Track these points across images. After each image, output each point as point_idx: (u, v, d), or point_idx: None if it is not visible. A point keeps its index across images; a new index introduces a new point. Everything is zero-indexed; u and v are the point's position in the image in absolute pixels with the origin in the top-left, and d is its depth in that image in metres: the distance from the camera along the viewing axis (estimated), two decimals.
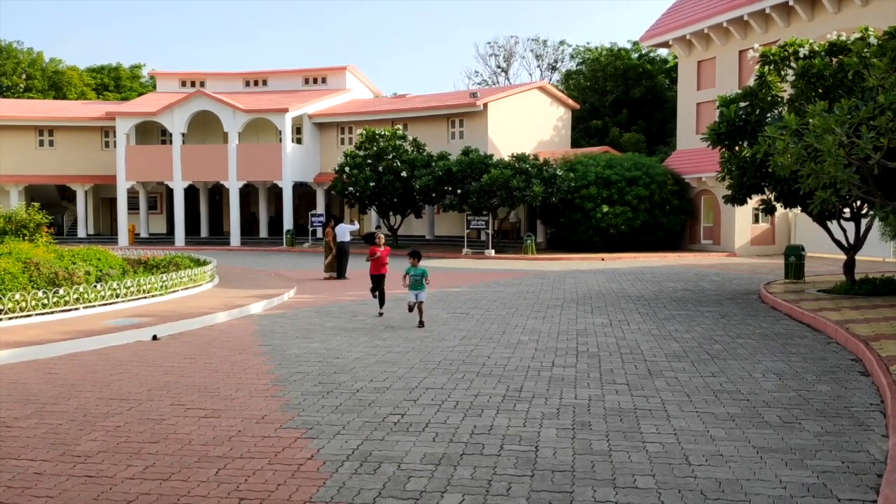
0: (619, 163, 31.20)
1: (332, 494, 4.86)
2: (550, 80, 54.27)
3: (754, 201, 18.03)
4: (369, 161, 32.38)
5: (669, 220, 31.16)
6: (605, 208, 29.65)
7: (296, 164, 38.59)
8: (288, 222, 38.40)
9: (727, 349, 9.94)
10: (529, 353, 9.71)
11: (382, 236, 13.84)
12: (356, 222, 25.78)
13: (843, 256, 16.06)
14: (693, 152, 32.02)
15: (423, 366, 8.90)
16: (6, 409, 7.03)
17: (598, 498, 4.80)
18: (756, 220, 30.47)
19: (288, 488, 4.97)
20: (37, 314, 11.76)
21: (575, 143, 42.28)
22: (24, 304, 11.64)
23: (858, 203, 15.45)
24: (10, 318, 11.35)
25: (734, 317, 12.95)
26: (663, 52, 44.01)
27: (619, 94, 45.78)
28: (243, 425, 6.44)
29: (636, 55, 46.79)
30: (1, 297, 11.38)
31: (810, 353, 9.69)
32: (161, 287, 14.66)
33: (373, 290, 13.41)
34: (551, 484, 5.05)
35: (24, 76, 57.50)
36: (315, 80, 43.50)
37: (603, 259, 27.87)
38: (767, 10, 28.33)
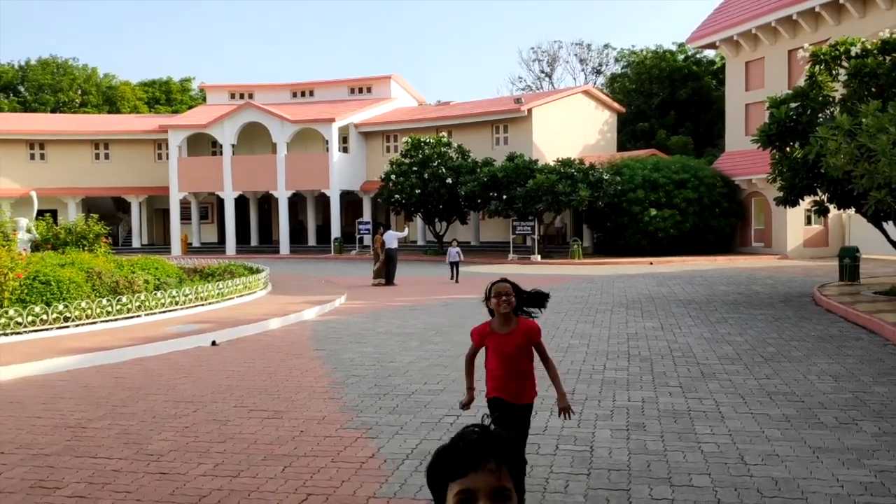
0: (667, 165, 30.97)
1: (394, 490, 5.03)
2: (595, 83, 54.03)
3: (806, 203, 17.77)
4: (415, 168, 32.71)
5: (719, 222, 30.80)
6: (653, 212, 29.44)
7: (343, 172, 39.14)
8: (335, 230, 38.94)
9: (781, 352, 9.87)
10: (580, 357, 9.78)
11: (508, 288, 4.59)
12: (406, 229, 26.04)
13: None
14: (742, 154, 31.59)
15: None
16: (80, 411, 7.37)
17: (655, 496, 4.89)
18: (808, 221, 29.89)
19: (352, 485, 5.16)
20: (101, 321, 12.21)
21: (621, 146, 42.04)
22: (89, 311, 12.11)
23: None
24: (77, 325, 11.83)
25: (788, 319, 12.81)
26: (710, 53, 43.53)
27: (665, 97, 45.39)
28: (305, 426, 6.66)
29: (682, 57, 46.36)
30: (68, 305, 11.87)
31: (867, 355, 9.58)
32: (217, 294, 15.08)
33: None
34: (608, 482, 5.14)
35: (79, 92, 59.42)
36: (360, 90, 44.08)
37: (651, 263, 27.66)
38: (817, 9, 27.89)
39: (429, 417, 6.84)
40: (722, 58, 39.21)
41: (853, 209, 15.66)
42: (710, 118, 43.69)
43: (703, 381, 8.25)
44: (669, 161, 31.76)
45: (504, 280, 4.60)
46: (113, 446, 6.18)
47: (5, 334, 10.82)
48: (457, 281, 20.71)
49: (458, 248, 21.75)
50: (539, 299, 4.75)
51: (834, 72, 14.97)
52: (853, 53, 14.21)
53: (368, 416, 6.95)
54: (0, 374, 8.87)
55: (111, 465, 5.71)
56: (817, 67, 14.92)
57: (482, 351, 4.68)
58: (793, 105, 14.95)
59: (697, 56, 45.91)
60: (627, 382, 8.24)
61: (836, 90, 15.21)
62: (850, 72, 13.85)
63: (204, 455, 5.88)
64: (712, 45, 34.21)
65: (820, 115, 14.97)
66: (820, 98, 15.19)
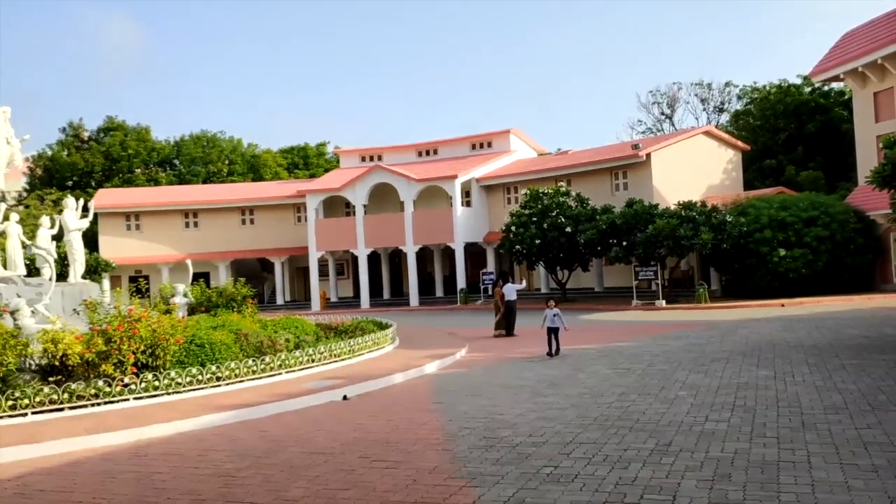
0: (795, 203, 30.16)
1: None
2: (718, 122, 53.17)
3: None
4: (534, 219, 33.50)
5: (855, 260, 29.52)
6: (782, 252, 28.67)
7: (466, 226, 40.56)
8: (461, 281, 40.20)
9: (892, 400, 9.80)
10: (685, 409, 10.10)
11: None
12: (524, 281, 26.77)
13: None
14: None
15: (579, 421, 9.61)
16: (230, 462, 8.57)
17: None
18: None
19: None
20: (247, 380, 13.65)
21: (748, 184, 41.11)
22: (237, 371, 13.59)
23: None
24: (227, 384, 13.31)
25: None
26: (837, 85, 42.06)
27: (791, 131, 44.06)
28: (418, 475, 7.51)
29: (808, 90, 44.94)
30: (219, 366, 13.41)
31: None
32: (349, 351, 16.34)
33: None
34: None
35: (227, 162, 64.58)
36: (481, 145, 45.65)
37: (783, 305, 26.90)
38: None
39: (528, 468, 7.52)
40: (850, 89, 37.83)
41: None
42: (842, 150, 41.93)
43: (801, 431, 8.44)
44: (797, 198, 30.91)
45: None
46: (257, 493, 7.25)
47: (167, 393, 12.41)
48: (555, 353, 16.01)
49: (556, 310, 16.30)
50: None
51: None
52: None
53: (474, 466, 7.72)
54: (165, 430, 10.33)
55: None
56: None
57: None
58: None
59: (824, 88, 44.37)
60: (725, 434, 8.55)
61: None
62: None
63: (330, 500, 6.84)
64: (836, 78, 33.21)
65: None
66: None
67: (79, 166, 58.07)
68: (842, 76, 32.35)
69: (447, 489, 6.97)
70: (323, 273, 44.96)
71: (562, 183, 36.72)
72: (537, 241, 33.02)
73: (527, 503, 6.42)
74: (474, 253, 43.54)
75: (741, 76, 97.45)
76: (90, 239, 45.33)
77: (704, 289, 29.48)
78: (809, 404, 9.89)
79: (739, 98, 52.07)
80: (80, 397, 11.60)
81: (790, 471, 6.95)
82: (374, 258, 44.82)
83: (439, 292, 43.37)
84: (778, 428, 8.67)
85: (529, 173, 40.15)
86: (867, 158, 31.75)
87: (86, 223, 19.84)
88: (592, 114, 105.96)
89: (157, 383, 12.36)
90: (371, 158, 47.32)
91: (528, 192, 35.14)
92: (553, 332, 16.03)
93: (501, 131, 45.37)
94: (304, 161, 66.67)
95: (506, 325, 21.44)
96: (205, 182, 60.18)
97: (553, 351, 16.00)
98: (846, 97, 43.14)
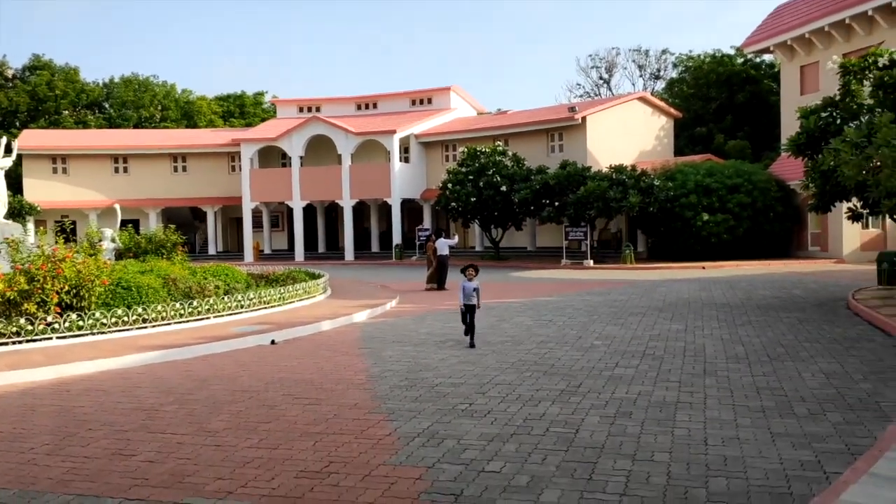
0: (720, 171, 31.19)
1: (401, 460, 6.10)
2: (654, 88, 54.16)
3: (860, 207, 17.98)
4: (471, 177, 33.79)
5: (774, 227, 30.83)
6: (706, 216, 29.72)
7: (403, 181, 40.58)
8: (397, 237, 40.37)
9: (789, 352, 10.51)
10: (598, 356, 10.63)
11: None
12: (455, 236, 27.16)
13: None
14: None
15: (497, 366, 10.03)
16: (154, 397, 8.69)
17: (617, 467, 5.81)
18: (866, 225, 29.63)
19: (367, 455, 6.25)
20: (175, 323, 13.67)
21: (679, 151, 42.21)
22: (164, 314, 13.58)
23: None
24: (154, 326, 13.31)
25: (811, 322, 13.33)
26: (768, 57, 43.33)
27: (723, 101, 45.31)
28: (338, 411, 7.79)
29: (740, 61, 46.17)
30: (146, 309, 13.37)
31: (871, 355, 10.13)
32: (279, 299, 16.44)
33: None
34: (581, 456, 6.08)
35: (159, 107, 62.68)
36: (421, 101, 45.48)
37: (704, 268, 27.98)
38: (870, 13, 27.74)
39: (444, 405, 7.87)
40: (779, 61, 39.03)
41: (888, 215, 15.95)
42: (769, 122, 43.42)
43: (702, 377, 9.03)
44: (723, 166, 31.97)
45: None
46: (179, 425, 7.42)
47: (92, 333, 12.35)
48: (472, 345, 11.62)
49: (476, 283, 12.22)
50: None
51: (865, 82, 15.33)
52: (880, 65, 14.60)
53: (393, 403, 8.04)
54: (88, 367, 10.34)
55: (176, 439, 6.95)
56: (848, 78, 15.32)
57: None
58: (823, 115, 15.39)
59: (756, 60, 45.64)
60: (632, 378, 9.08)
61: (869, 100, 15.57)
62: (874, 83, 14.26)
63: (251, 432, 7.07)
64: (767, 50, 34.22)
65: (852, 124, 15.34)
66: (854, 107, 15.57)
67: (2, 105, 55.57)
68: (772, 48, 33.36)
69: (366, 422, 7.27)
70: (257, 224, 44.46)
71: (499, 142, 37.03)
72: (473, 199, 33.37)
73: (439, 435, 6.77)
74: (411, 209, 43.67)
75: (678, 45, 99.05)
76: (14, 181, 43.73)
77: (630, 250, 30.39)
78: (714, 354, 10.53)
79: (675, 66, 53.14)
80: (1, 335, 11.46)
81: (686, 410, 7.48)
82: (309, 211, 44.52)
83: (375, 247, 43.46)
84: (681, 374, 9.24)
85: (468, 131, 40.31)
86: (791, 130, 32.83)
87: (9, 162, 19.24)
88: (533, 75, 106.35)
89: (81, 323, 12.29)
90: (309, 109, 46.66)
91: (466, 150, 35.37)
92: (469, 310, 11.83)
93: (442, 88, 45.27)
94: (241, 110, 65.27)
95: (437, 279, 21.81)
96: (136, 127, 58.38)
97: (471, 338, 11.78)
98: (776, 69, 44.51)
